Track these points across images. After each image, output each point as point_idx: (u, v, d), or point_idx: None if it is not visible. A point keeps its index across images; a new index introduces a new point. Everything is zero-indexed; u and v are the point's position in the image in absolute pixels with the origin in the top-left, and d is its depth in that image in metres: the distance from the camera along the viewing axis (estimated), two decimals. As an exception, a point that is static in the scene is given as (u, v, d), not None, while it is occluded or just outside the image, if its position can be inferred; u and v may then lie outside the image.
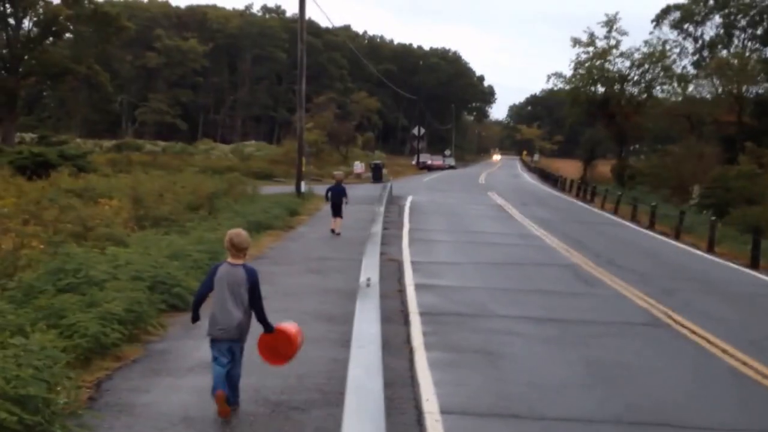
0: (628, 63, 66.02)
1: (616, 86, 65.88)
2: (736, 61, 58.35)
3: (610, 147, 78.85)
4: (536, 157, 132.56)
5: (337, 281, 14.39)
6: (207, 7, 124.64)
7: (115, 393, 7.59)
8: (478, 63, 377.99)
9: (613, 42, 65.77)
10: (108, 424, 6.73)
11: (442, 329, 11.01)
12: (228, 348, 7.07)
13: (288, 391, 7.87)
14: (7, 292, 9.49)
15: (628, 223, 31.26)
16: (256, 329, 7.37)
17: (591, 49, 66.19)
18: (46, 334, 7.48)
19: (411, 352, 9.71)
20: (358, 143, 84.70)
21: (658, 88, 65.94)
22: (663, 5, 69.46)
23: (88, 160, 37.43)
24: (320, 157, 64.02)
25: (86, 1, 56.26)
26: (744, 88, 56.17)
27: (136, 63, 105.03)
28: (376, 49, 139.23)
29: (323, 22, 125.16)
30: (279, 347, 7.37)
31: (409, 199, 36.75)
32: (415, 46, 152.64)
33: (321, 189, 31.61)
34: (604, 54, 65.89)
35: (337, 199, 21.91)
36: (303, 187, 33.92)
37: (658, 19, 69.48)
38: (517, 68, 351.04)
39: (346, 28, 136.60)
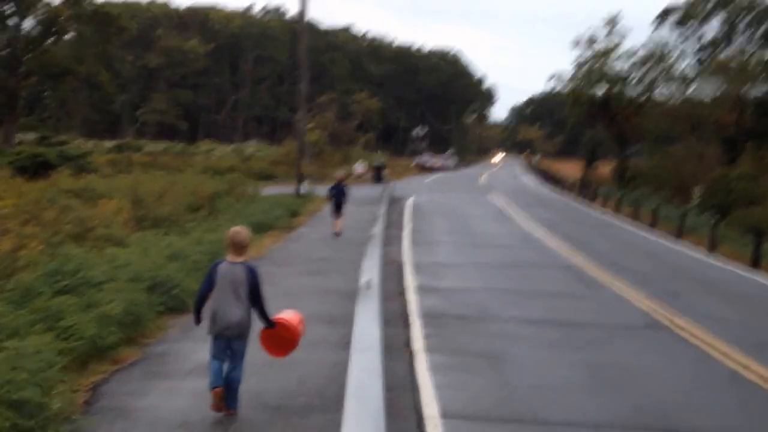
0: (628, 63, 65.93)
1: (617, 87, 65.75)
2: (736, 62, 58.23)
3: (610, 148, 78.66)
4: (537, 158, 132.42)
5: (337, 282, 14.31)
6: (208, 7, 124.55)
7: (111, 397, 7.50)
8: (479, 63, 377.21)
9: (614, 42, 65.67)
10: (104, 429, 6.64)
11: (443, 332, 10.93)
12: (227, 346, 7.04)
13: (287, 395, 7.79)
14: (4, 294, 9.39)
15: (629, 225, 31.17)
16: (256, 329, 7.30)
17: (592, 49, 66.08)
18: (42, 337, 7.39)
19: (412, 355, 9.62)
20: (359, 144, 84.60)
21: (659, 88, 65.84)
22: (664, 6, 69.43)
23: (88, 160, 37.36)
24: (321, 158, 63.91)
25: (87, 2, 56.19)
26: (745, 88, 56.03)
27: (137, 63, 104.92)
28: (377, 49, 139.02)
29: (324, 23, 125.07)
30: (281, 339, 7.37)
31: (410, 199, 36.68)
32: (416, 46, 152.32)
33: (322, 190, 31.57)
34: (604, 54, 65.75)
35: (338, 199, 21.91)
36: (304, 187, 33.87)
37: (659, 19, 69.30)
38: (518, 69, 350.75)
39: (348, 29, 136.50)
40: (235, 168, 47.15)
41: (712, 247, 23.61)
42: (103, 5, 58.67)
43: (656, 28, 68.43)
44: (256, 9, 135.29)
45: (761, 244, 20.95)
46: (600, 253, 20.84)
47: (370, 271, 11.35)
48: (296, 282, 14.19)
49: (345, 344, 8.97)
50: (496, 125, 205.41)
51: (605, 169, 73.51)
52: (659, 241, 26.05)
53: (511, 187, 58.90)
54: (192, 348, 9.25)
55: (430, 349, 9.85)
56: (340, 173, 24.38)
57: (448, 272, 16.49)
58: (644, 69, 65.54)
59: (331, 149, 72.55)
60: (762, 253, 20.87)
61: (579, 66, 67.07)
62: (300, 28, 34.90)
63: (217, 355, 7.06)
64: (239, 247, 7.09)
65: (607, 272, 17.21)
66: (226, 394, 7.03)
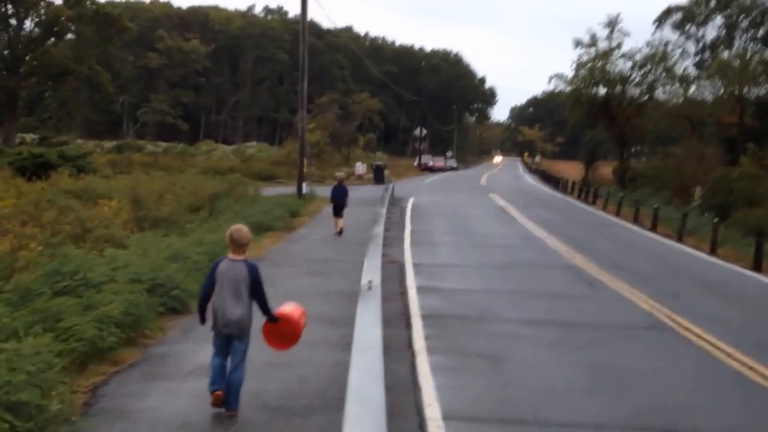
0: (629, 64, 65.91)
1: (618, 87, 65.72)
2: (737, 63, 58.19)
3: (611, 149, 78.68)
4: (538, 158, 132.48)
5: (338, 283, 14.27)
6: (209, 7, 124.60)
7: (111, 398, 7.46)
8: (479, 64, 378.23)
9: (614, 43, 65.66)
10: (103, 430, 6.60)
11: (444, 333, 10.88)
12: (227, 343, 7.05)
13: (288, 396, 7.75)
14: (3, 295, 9.36)
15: (630, 225, 31.11)
16: (257, 328, 7.27)
17: (593, 50, 66.07)
18: (41, 338, 7.35)
19: (413, 356, 9.58)
20: (359, 144, 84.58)
21: (659, 89, 65.81)
22: (665, 6, 69.53)
23: (88, 160, 37.29)
24: (322, 158, 63.92)
25: (88, 2, 56.18)
26: (745, 89, 55.98)
27: (137, 63, 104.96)
28: (378, 50, 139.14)
29: (325, 23, 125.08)
30: (283, 332, 7.37)
31: (411, 200, 36.63)
32: (416, 47, 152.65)
33: (322, 190, 31.54)
34: (605, 55, 65.72)
35: (339, 199, 21.91)
36: (304, 188, 33.83)
37: (660, 20, 69.26)
38: (519, 69, 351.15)
39: (348, 29, 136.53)
40: (235, 168, 47.14)
41: (714, 247, 23.56)
42: (103, 5, 58.69)
43: (657, 29, 68.46)
44: (257, 9, 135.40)
45: (763, 245, 20.89)
46: (601, 253, 20.79)
47: (371, 272, 11.32)
48: (297, 283, 14.14)
49: (346, 345, 8.93)
50: (496, 126, 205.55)
51: (606, 169, 73.49)
52: (660, 241, 26.00)
53: (512, 188, 58.84)
54: (192, 349, 9.21)
55: (430, 350, 9.81)
56: (341, 174, 24.36)
57: (449, 273, 16.45)
58: (645, 70, 65.51)
59: (331, 150, 72.56)
60: (764, 254, 20.81)
61: (580, 67, 67.05)
62: (301, 29, 34.86)
63: (218, 353, 7.09)
64: (239, 245, 7.11)
65: (608, 273, 17.16)
66: (227, 394, 7.01)
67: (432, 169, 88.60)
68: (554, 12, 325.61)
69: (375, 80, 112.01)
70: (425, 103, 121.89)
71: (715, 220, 25.83)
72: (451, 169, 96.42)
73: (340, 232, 21.67)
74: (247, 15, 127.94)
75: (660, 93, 66.28)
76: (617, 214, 36.07)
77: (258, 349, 7.69)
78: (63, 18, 55.21)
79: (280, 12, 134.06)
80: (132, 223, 17.60)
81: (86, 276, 10.17)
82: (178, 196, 22.44)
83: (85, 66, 56.04)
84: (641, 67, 65.58)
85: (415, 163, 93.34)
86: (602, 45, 65.90)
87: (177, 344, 9.58)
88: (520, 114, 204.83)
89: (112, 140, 79.94)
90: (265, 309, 7.22)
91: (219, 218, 20.98)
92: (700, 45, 68.02)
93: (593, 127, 76.99)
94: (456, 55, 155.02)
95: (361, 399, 5.64)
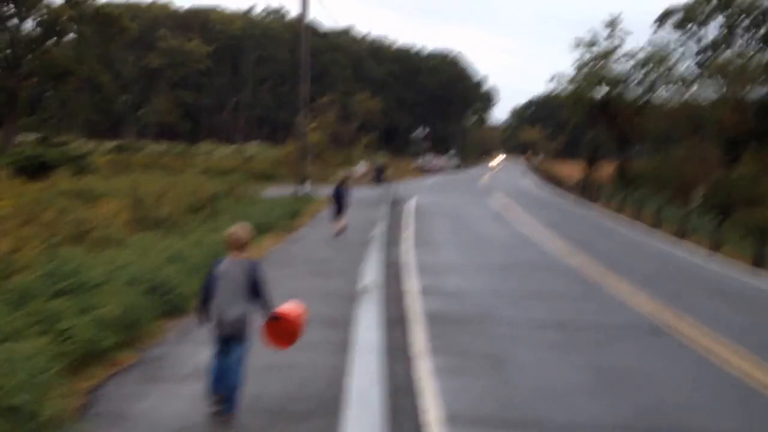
0: (629, 65, 65.87)
1: (618, 88, 65.67)
2: (738, 63, 58.15)
3: (611, 149, 78.59)
4: (538, 159, 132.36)
5: (339, 284, 14.19)
6: (209, 8, 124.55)
7: (108, 401, 7.38)
8: (480, 65, 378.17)
9: (615, 43, 65.62)
10: (100, 434, 6.54)
11: (444, 333, 10.82)
12: (226, 344, 6.98)
13: (287, 399, 7.67)
14: (1, 296, 9.28)
15: (631, 226, 31.06)
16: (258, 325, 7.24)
17: (593, 49, 66.02)
18: (38, 340, 7.27)
19: (413, 357, 9.51)
20: (360, 145, 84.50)
21: (660, 89, 65.76)
22: (665, 6, 69.52)
23: (88, 161, 37.23)
24: (322, 159, 63.77)
25: (89, 2, 56.13)
26: (746, 89, 55.93)
27: (138, 64, 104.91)
28: (379, 50, 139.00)
29: (326, 24, 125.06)
30: (283, 330, 7.32)
31: (412, 201, 36.58)
32: (417, 47, 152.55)
33: (323, 191, 31.47)
34: (606, 55, 65.68)
35: (339, 200, 21.89)
36: (305, 188, 33.78)
37: (661, 20, 69.23)
38: (519, 70, 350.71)
39: (349, 30, 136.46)
40: (236, 169, 47.04)
41: (715, 247, 23.50)
42: (104, 6, 58.63)
43: (657, 30, 68.44)
44: (258, 10, 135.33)
45: (764, 245, 20.84)
46: (602, 254, 20.74)
47: (372, 273, 11.26)
48: (297, 284, 14.06)
49: (346, 347, 8.88)
50: (497, 126, 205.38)
51: (606, 169, 73.38)
52: (661, 241, 25.94)
53: (513, 188, 58.78)
54: (191, 351, 9.14)
55: (431, 351, 9.75)
56: (342, 174, 24.33)
57: (450, 273, 16.39)
58: (645, 70, 65.45)
59: (332, 150, 72.43)
60: (765, 253, 20.75)
61: (580, 67, 67.02)
62: (301, 30, 34.80)
63: (218, 353, 7.04)
64: (239, 245, 7.06)
65: (609, 273, 17.10)
66: (225, 397, 6.95)
67: (432, 170, 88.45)
68: (554, 12, 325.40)
69: (376, 80, 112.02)
70: (426, 104, 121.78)
71: (717, 220, 25.78)
72: (452, 169, 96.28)
73: (342, 232, 21.65)
74: (248, 15, 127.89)
75: (661, 93, 66.26)
76: (618, 214, 36.02)
77: (257, 351, 7.62)
78: (64, 18, 55.16)
79: (280, 13, 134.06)
80: (131, 223, 17.52)
81: (85, 277, 10.07)
82: (178, 196, 22.36)
83: (86, 66, 55.99)
84: (642, 66, 65.54)
85: (416, 164, 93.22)
86: (603, 45, 65.90)
87: (176, 346, 9.51)
88: (520, 114, 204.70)
89: (113, 140, 79.84)
90: (268, 307, 7.16)
91: (219, 219, 20.89)
92: (701, 45, 67.99)
93: (594, 128, 76.95)
94: (456, 55, 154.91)
95: (360, 403, 5.58)
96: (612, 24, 65.04)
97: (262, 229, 20.56)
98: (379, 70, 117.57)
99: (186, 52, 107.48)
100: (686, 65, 66.40)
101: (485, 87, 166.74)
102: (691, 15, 66.67)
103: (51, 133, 59.45)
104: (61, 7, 55.28)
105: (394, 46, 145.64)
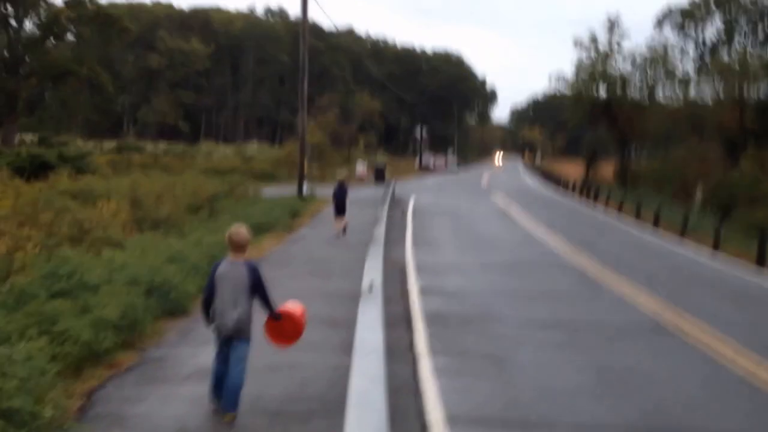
0: (629, 65, 65.87)
1: (618, 88, 65.65)
2: (737, 63, 58.13)
3: (612, 148, 78.61)
4: (539, 158, 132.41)
5: (339, 284, 14.13)
6: (210, 8, 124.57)
7: (106, 403, 7.30)
8: (480, 64, 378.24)
9: (614, 44, 65.62)
10: (98, 437, 6.46)
11: (447, 334, 10.75)
12: (227, 345, 6.99)
13: (288, 400, 7.61)
14: (-2, 297, 9.21)
15: (632, 225, 30.98)
16: (257, 329, 7.15)
17: (593, 50, 66.03)
18: (35, 342, 7.19)
19: (415, 357, 9.44)
20: (360, 145, 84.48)
21: (660, 90, 65.76)
22: (664, 7, 69.50)
23: (87, 161, 37.10)
24: (323, 159, 63.75)
25: (88, 3, 56.05)
26: (745, 90, 55.91)
27: (138, 64, 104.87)
28: (379, 51, 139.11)
29: (326, 24, 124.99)
30: (285, 329, 7.37)
31: (412, 200, 36.53)
32: (417, 48, 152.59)
33: (323, 191, 31.42)
34: (605, 56, 65.68)
35: (340, 199, 21.85)
36: (305, 188, 33.72)
37: (660, 21, 69.22)
38: (519, 69, 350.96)
39: (349, 30, 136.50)
40: (236, 169, 47.01)
41: (716, 246, 23.44)
42: (104, 6, 58.56)
43: (657, 30, 68.38)
44: (258, 10, 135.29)
45: (765, 244, 20.76)
46: (604, 253, 20.66)
47: (373, 273, 11.17)
48: (297, 284, 14.00)
49: (347, 347, 8.79)
50: (497, 126, 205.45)
51: (607, 169, 73.41)
52: (662, 240, 25.87)
53: (514, 188, 58.73)
54: (190, 352, 9.07)
55: (433, 352, 9.68)
56: (341, 174, 24.28)
57: (451, 273, 16.32)
58: (645, 70, 65.43)
59: (332, 150, 72.37)
60: (766, 253, 20.68)
61: (580, 67, 66.99)
62: (301, 30, 34.75)
63: (219, 354, 7.06)
64: (239, 247, 7.08)
65: (611, 272, 17.03)
66: (226, 397, 6.90)
67: (433, 170, 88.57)
68: (555, 12, 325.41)
69: (376, 81, 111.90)
70: (426, 104, 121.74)
71: (718, 219, 25.72)
72: (452, 169, 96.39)
73: (344, 231, 21.63)
74: (248, 16, 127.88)
75: (660, 94, 66.26)
76: (619, 213, 35.97)
77: (258, 351, 7.57)
78: (63, 18, 55.08)
79: (281, 13, 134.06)
80: (131, 224, 17.44)
81: (83, 278, 10.01)
82: (178, 196, 22.29)
83: (86, 67, 55.88)
84: (641, 67, 65.54)
85: (416, 164, 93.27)
86: (602, 46, 65.90)
87: (175, 347, 9.43)
88: (520, 114, 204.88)
89: (113, 141, 79.76)
90: (269, 307, 7.19)
91: (219, 219, 20.84)
92: (700, 45, 67.97)
93: (594, 127, 76.97)
94: (457, 55, 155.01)
95: (362, 404, 5.49)
96: (612, 24, 65.05)
97: (262, 229, 20.51)
98: (380, 71, 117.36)
99: (186, 53, 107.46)
100: (685, 66, 66.41)
101: (485, 87, 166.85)
102: (690, 15, 66.66)
103: (50, 133, 59.32)
104: (61, 8, 55.23)
105: (395, 46, 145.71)
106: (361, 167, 61.87)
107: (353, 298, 10.82)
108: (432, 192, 47.43)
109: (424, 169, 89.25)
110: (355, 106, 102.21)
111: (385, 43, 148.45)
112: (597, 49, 65.80)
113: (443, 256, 19.04)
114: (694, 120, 58.65)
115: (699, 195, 39.88)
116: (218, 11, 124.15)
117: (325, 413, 7.21)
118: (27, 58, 55.48)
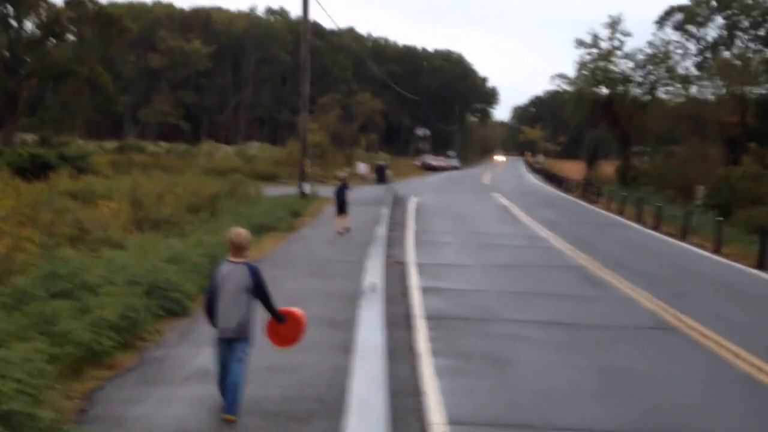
0: (631, 64, 65.80)
1: (620, 87, 65.59)
2: (738, 62, 58.05)
3: (613, 148, 78.51)
4: (540, 158, 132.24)
5: (340, 284, 14.08)
6: (211, 8, 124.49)
7: (106, 404, 7.27)
8: (481, 64, 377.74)
9: (616, 43, 65.55)
10: (97, 439, 6.42)
11: (448, 334, 10.71)
12: (228, 346, 6.97)
13: (288, 401, 7.57)
14: (-2, 298, 9.18)
15: (633, 224, 30.94)
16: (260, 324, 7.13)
17: (595, 50, 65.95)
18: (36, 342, 7.16)
19: (416, 358, 9.40)
20: (361, 144, 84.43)
21: (661, 89, 65.67)
22: (666, 7, 69.38)
23: (88, 161, 37.10)
24: (324, 159, 63.72)
25: (89, 3, 56.06)
26: (747, 89, 55.83)
27: (139, 64, 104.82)
28: (380, 50, 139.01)
29: (327, 24, 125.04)
30: (287, 330, 7.37)
31: (414, 200, 36.48)
32: (419, 47, 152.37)
33: (324, 190, 31.40)
34: (607, 55, 65.62)
35: (341, 198, 21.90)
36: (306, 188, 33.69)
37: (661, 21, 69.13)
38: (521, 69, 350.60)
39: (350, 30, 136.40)
40: (237, 169, 46.98)
41: (718, 246, 23.38)
42: (105, 6, 58.56)
43: (658, 29, 68.32)
44: (260, 10, 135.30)
45: (766, 244, 20.70)
46: (605, 253, 20.62)
47: (374, 273, 11.15)
48: (298, 284, 13.96)
49: (347, 348, 8.77)
50: (498, 126, 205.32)
51: (608, 168, 73.30)
52: (664, 240, 25.82)
53: (515, 187, 58.68)
54: (191, 353, 9.04)
55: (434, 353, 9.64)
56: (343, 174, 24.27)
57: (453, 273, 16.29)
58: (647, 69, 65.37)
59: (333, 150, 72.34)
60: (768, 252, 20.64)
61: (582, 67, 66.91)
62: (303, 29, 34.72)
63: (220, 355, 7.04)
64: (239, 248, 7.09)
65: (612, 272, 16.99)
66: (226, 398, 6.88)
67: (434, 169, 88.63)
68: (556, 12, 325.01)
69: (377, 81, 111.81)
70: (427, 104, 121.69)
71: (719, 218, 25.66)
72: (454, 169, 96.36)
73: (347, 231, 21.63)
74: (249, 16, 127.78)
75: (662, 93, 66.19)
76: (621, 213, 35.93)
77: (259, 352, 7.54)
78: (64, 17, 55.10)
79: (282, 13, 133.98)
80: (131, 224, 17.42)
81: (83, 278, 9.99)
82: (179, 197, 22.26)
83: (86, 67, 55.91)
84: (643, 67, 65.48)
85: (417, 163, 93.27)
86: (604, 45, 65.83)
87: (175, 348, 9.40)
88: (522, 113, 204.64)
89: (114, 141, 79.76)
90: (270, 309, 7.20)
91: (220, 219, 20.80)
92: (701, 45, 67.91)
93: (596, 127, 76.90)
94: (458, 55, 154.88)
95: (362, 404, 5.47)
96: (612, 24, 64.98)
97: (263, 229, 20.47)
98: (381, 70, 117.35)
99: (187, 53, 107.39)
100: (687, 65, 66.37)
101: (486, 86, 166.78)
102: (692, 15, 66.62)
103: (51, 133, 59.39)
104: (61, 8, 55.24)
105: (396, 45, 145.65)
106: (362, 167, 61.84)
107: (354, 298, 10.82)
108: (433, 191, 47.37)
109: (425, 168, 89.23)
110: (356, 106, 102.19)
111: (387, 42, 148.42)
112: (599, 47, 65.73)
113: (444, 256, 19.00)
114: (696, 119, 58.55)
115: (700, 194, 39.80)
116: (219, 11, 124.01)
117: (326, 415, 7.17)
118: (27, 59, 55.48)
